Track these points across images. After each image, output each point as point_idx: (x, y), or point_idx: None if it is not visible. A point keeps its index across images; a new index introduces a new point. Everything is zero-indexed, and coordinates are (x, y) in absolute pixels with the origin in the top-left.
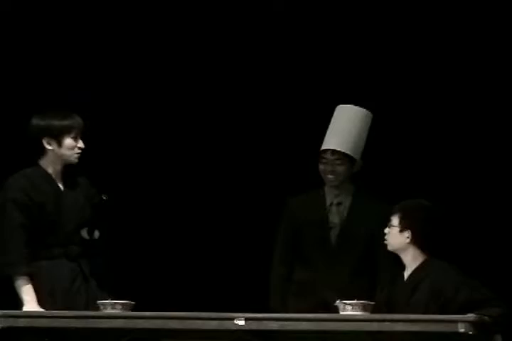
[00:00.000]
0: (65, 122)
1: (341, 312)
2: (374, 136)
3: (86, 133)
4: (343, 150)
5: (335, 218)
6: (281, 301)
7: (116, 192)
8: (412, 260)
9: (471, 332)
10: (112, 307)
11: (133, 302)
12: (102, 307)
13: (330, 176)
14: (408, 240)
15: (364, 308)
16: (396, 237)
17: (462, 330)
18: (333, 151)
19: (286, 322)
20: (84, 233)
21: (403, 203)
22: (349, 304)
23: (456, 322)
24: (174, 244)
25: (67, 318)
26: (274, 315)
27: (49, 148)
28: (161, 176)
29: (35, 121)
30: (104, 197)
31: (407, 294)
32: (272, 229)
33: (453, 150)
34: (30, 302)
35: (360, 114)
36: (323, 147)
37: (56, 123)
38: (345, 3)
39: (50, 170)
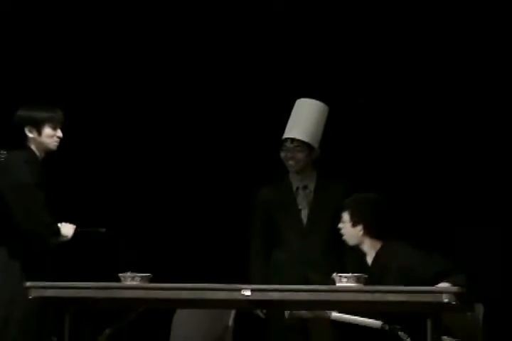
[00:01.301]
0: (46, 113)
1: (337, 284)
2: (335, 127)
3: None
4: (301, 139)
5: (303, 201)
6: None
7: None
8: (369, 248)
9: (453, 302)
10: (131, 279)
11: (150, 275)
12: (122, 279)
13: (290, 162)
14: (361, 233)
15: (358, 280)
16: (350, 232)
17: (446, 300)
18: (293, 139)
19: (286, 293)
20: None
21: (351, 199)
22: (344, 277)
23: (440, 293)
24: (189, 224)
25: (92, 289)
26: (277, 287)
27: (30, 135)
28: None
29: (20, 111)
30: (102, 231)
31: (377, 277)
32: None
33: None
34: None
35: (318, 106)
36: (285, 136)
37: (37, 114)
38: (345, 3)
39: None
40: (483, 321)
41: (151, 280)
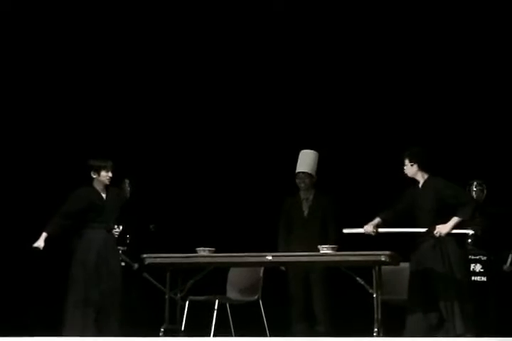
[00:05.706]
0: (101, 163)
1: (320, 251)
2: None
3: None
4: (307, 171)
5: (305, 205)
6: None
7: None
8: (421, 178)
9: (388, 260)
10: (203, 251)
11: (213, 249)
12: (198, 251)
13: (302, 185)
14: (416, 169)
15: (332, 249)
16: (410, 168)
17: (383, 259)
18: (303, 172)
19: (294, 257)
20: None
21: (409, 150)
22: (324, 247)
23: (380, 255)
24: (238, 218)
25: (181, 257)
26: (288, 254)
27: (94, 176)
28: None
29: (89, 162)
30: (152, 227)
31: (425, 195)
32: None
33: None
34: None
35: (313, 153)
36: (298, 170)
37: (97, 163)
38: (344, 4)
39: (97, 188)
40: None
41: (215, 251)
